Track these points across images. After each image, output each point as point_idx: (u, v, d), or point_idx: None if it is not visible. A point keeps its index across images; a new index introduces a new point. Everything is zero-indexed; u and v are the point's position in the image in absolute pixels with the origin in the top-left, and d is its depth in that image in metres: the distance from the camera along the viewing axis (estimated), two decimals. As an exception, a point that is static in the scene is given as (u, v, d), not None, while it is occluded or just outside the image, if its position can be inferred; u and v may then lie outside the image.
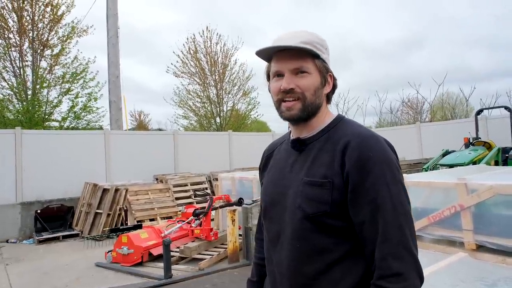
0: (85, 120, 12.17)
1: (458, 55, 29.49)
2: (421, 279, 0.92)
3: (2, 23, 10.77)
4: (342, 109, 19.83)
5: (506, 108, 8.20)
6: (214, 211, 6.10)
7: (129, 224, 7.56)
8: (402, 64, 33.69)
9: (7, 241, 7.47)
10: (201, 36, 16.32)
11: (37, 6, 11.26)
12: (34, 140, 8.41)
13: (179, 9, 44.46)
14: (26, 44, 11.29)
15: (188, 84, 16.82)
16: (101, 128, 12.04)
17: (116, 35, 11.01)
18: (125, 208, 7.77)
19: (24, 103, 10.93)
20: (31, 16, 11.20)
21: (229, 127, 15.21)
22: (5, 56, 10.98)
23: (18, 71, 11.23)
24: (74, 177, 8.59)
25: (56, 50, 11.80)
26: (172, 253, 5.13)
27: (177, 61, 16.42)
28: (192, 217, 5.64)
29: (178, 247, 5.55)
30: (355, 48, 35.60)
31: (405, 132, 11.30)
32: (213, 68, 16.53)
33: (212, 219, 6.24)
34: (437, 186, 3.56)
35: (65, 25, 11.88)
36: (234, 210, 5.26)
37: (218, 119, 16.81)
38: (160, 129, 20.97)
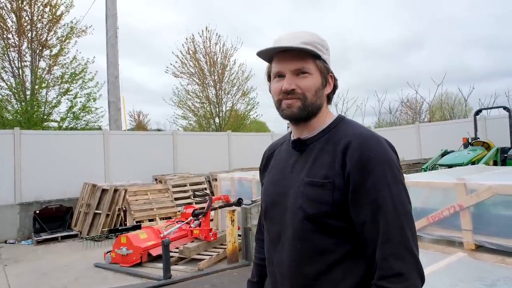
0: (84, 120, 12.14)
1: (457, 55, 29.63)
2: (422, 279, 0.92)
3: (1, 23, 10.74)
4: (341, 109, 19.86)
5: (504, 108, 8.23)
6: (213, 211, 6.10)
7: (128, 224, 7.56)
8: (401, 64, 33.80)
9: (5, 242, 7.45)
10: (200, 37, 16.33)
11: (36, 6, 11.24)
12: (32, 140, 8.39)
13: (179, 9, 44.50)
14: (25, 44, 11.27)
15: (187, 85, 16.82)
16: (100, 128, 12.03)
17: (115, 35, 11.00)
18: (124, 208, 7.76)
19: (23, 104, 10.91)
20: (30, 16, 11.18)
21: (228, 127, 15.21)
22: (4, 57, 10.95)
23: (17, 72, 11.21)
24: (73, 177, 8.58)
25: (55, 51, 11.79)
26: (171, 254, 5.12)
27: (176, 62, 16.43)
28: (191, 217, 5.64)
29: (177, 248, 5.55)
30: (354, 48, 35.71)
31: (404, 132, 11.33)
32: (212, 69, 16.52)
33: (211, 220, 6.24)
34: (436, 186, 3.57)
35: (64, 25, 11.87)
36: (233, 211, 5.26)
37: (217, 120, 16.80)
38: (159, 130, 20.94)
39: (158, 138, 10.77)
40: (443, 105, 20.67)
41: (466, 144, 7.54)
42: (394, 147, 1.03)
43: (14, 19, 10.96)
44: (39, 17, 11.36)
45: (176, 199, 8.79)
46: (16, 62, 11.19)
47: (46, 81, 11.45)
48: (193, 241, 5.70)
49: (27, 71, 11.41)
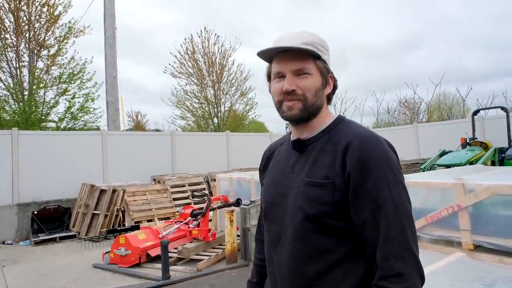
0: (82, 120, 12.11)
1: (455, 55, 29.69)
2: (422, 279, 0.92)
3: (-1, 23, 10.72)
4: (339, 109, 19.90)
5: (502, 108, 8.26)
6: (212, 211, 6.09)
7: (126, 225, 7.55)
8: (399, 65, 33.88)
9: (3, 243, 7.42)
10: (199, 37, 16.32)
11: (33, 6, 11.21)
12: (30, 141, 8.37)
13: (177, 10, 44.41)
14: (23, 44, 11.23)
15: (186, 85, 16.80)
16: (98, 128, 11.99)
17: (113, 36, 10.98)
18: (122, 209, 7.75)
19: (21, 104, 10.87)
20: (27, 16, 11.14)
21: (227, 127, 15.21)
22: (1, 57, 10.90)
23: (14, 72, 11.16)
24: (71, 178, 8.56)
25: (52, 51, 11.74)
26: (170, 254, 5.11)
27: (175, 62, 16.41)
28: (190, 217, 5.63)
29: (176, 248, 5.54)
30: (352, 48, 35.73)
31: (402, 132, 11.35)
32: (211, 69, 16.51)
33: (210, 220, 6.23)
34: (435, 186, 3.58)
35: (62, 25, 11.82)
36: (232, 211, 5.25)
37: (215, 120, 16.78)
38: (157, 130, 20.90)
39: (157, 138, 10.75)
40: (441, 105, 20.76)
41: (464, 144, 7.56)
42: (394, 147, 1.03)
43: (12, 19, 10.91)
44: (37, 17, 11.32)
45: (174, 199, 8.78)
46: (14, 62, 11.15)
47: (44, 81, 11.41)
48: (191, 242, 5.69)
49: (25, 71, 11.37)
